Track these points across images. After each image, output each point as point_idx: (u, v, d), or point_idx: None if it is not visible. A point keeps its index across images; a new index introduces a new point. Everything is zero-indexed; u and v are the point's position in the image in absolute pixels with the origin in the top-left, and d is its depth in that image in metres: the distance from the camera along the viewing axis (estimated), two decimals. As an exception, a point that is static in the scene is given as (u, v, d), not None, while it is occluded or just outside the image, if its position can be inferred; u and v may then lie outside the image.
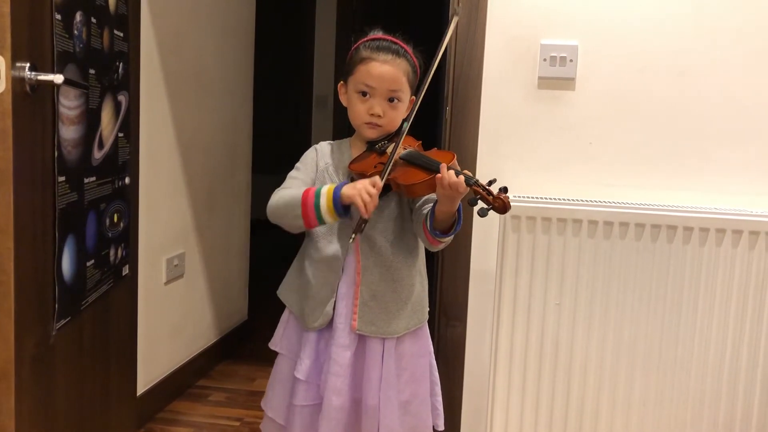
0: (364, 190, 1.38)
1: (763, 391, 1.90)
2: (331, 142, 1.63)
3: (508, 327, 1.94)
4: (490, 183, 1.36)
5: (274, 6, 3.99)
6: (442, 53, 1.48)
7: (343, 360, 1.52)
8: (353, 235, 1.43)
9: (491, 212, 1.35)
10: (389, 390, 1.54)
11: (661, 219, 1.87)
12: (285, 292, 1.62)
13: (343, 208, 1.42)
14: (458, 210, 1.42)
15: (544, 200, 1.93)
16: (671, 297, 1.89)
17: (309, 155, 1.60)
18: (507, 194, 1.34)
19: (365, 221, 1.41)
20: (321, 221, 1.44)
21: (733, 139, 1.97)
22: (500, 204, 1.34)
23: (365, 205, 1.37)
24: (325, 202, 1.42)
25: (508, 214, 1.88)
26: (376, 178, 1.40)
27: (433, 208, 1.43)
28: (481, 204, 1.35)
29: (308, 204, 1.43)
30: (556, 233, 1.90)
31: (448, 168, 1.36)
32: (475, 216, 2.02)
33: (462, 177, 1.34)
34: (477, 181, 1.35)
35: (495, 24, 2.00)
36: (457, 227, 1.44)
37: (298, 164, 1.60)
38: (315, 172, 1.57)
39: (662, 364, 1.91)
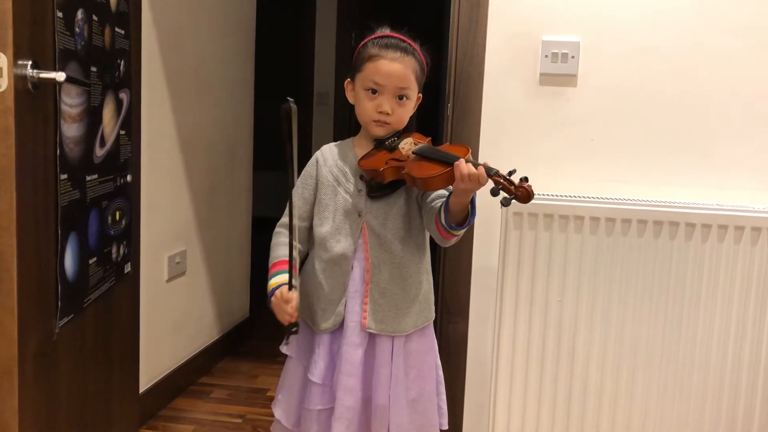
0: (277, 306, 1.45)
1: (765, 387, 1.90)
2: (334, 143, 1.61)
3: (510, 324, 1.94)
4: (510, 173, 1.36)
5: (274, 3, 3.98)
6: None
7: (354, 359, 1.51)
8: (286, 339, 1.51)
9: (513, 202, 1.34)
10: (398, 388, 1.53)
11: (663, 215, 1.87)
12: None
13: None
14: (472, 201, 1.41)
15: (546, 197, 1.93)
16: (673, 293, 1.89)
17: (307, 170, 1.59)
18: (529, 183, 1.33)
19: (294, 325, 1.46)
20: None
21: (736, 134, 1.96)
22: (523, 193, 1.33)
23: (282, 315, 1.45)
24: (267, 287, 1.51)
25: (509, 211, 1.90)
26: (291, 295, 1.45)
27: (446, 201, 1.42)
28: (503, 194, 1.34)
29: (269, 273, 1.54)
30: (557, 230, 1.89)
31: (466, 161, 1.35)
32: (476, 213, 2.02)
33: (482, 168, 1.34)
34: (497, 171, 1.35)
35: (496, 20, 2.00)
36: (472, 218, 1.43)
37: (298, 181, 1.58)
38: (314, 186, 1.57)
39: (664, 359, 1.91)
